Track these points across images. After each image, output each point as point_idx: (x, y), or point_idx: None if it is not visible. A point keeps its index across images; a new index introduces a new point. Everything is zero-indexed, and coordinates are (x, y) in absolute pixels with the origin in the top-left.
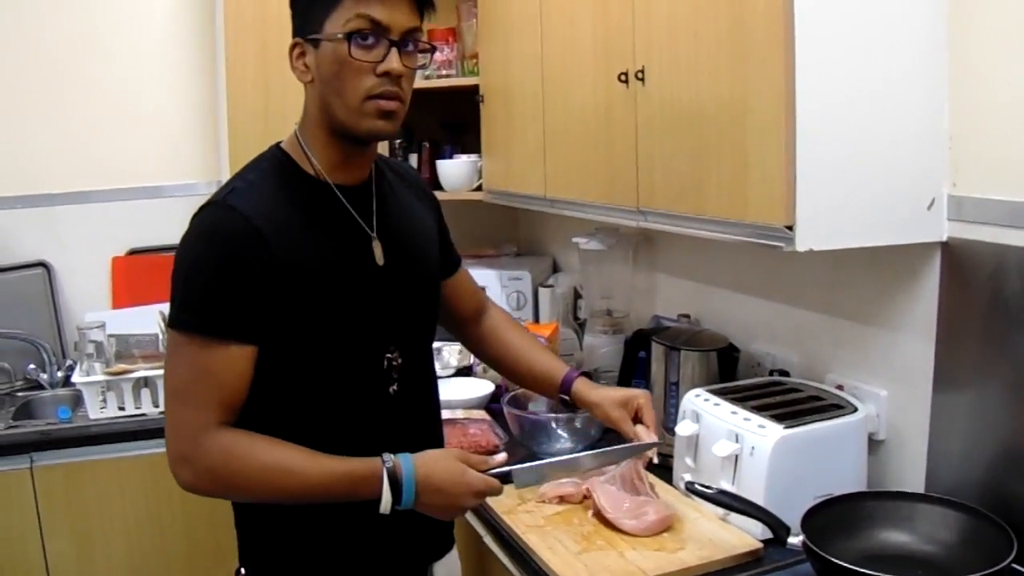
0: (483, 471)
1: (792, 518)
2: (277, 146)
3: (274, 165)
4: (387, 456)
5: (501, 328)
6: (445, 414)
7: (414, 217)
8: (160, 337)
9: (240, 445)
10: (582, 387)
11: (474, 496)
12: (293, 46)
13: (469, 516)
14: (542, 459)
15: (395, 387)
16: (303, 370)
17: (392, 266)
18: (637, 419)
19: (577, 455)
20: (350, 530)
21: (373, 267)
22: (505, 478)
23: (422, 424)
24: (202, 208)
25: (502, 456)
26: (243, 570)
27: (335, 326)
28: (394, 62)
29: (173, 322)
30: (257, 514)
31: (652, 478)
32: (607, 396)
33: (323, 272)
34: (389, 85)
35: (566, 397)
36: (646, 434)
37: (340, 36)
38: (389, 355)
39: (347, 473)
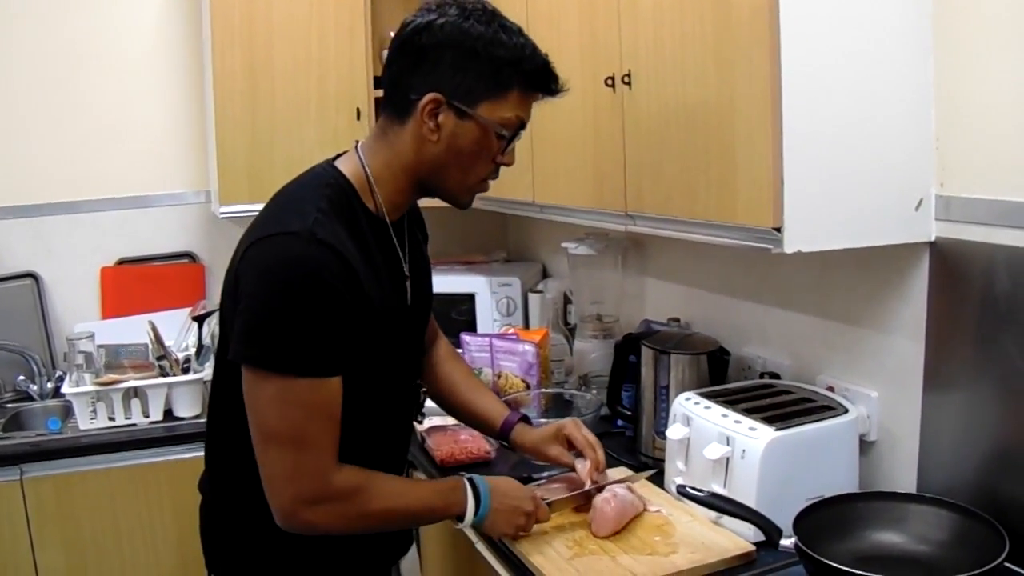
0: None
1: (784, 520)
2: (337, 170)
3: (339, 193)
4: (461, 474)
5: (446, 362)
6: (436, 421)
7: (423, 254)
8: (149, 347)
9: (365, 480)
10: (519, 434)
11: (532, 499)
12: (432, 100)
13: None
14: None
15: (415, 414)
16: (351, 400)
17: (415, 304)
18: (572, 447)
19: (578, 492)
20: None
21: (406, 305)
22: None
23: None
24: (279, 236)
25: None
26: None
27: (389, 360)
28: (513, 156)
29: (278, 366)
30: (224, 520)
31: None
32: (539, 437)
33: (383, 308)
34: (496, 173)
35: (505, 443)
36: (581, 464)
37: (503, 131)
38: (423, 389)
39: (440, 490)
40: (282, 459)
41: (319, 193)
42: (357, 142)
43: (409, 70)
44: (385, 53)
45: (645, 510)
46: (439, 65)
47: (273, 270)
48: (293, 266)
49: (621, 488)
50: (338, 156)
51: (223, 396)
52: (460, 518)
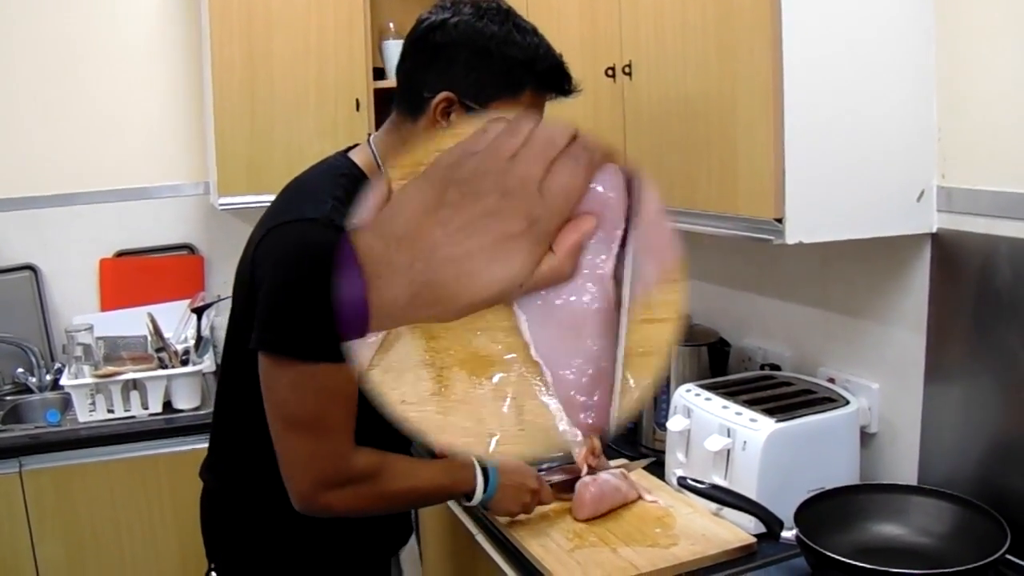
0: None
1: (785, 512)
2: (352, 161)
3: (354, 183)
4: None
5: None
6: None
7: None
8: (148, 339)
9: (381, 461)
10: None
11: (536, 478)
12: (445, 99)
13: (462, 516)
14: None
15: None
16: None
17: None
18: None
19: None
20: (320, 524)
21: None
22: None
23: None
24: (296, 223)
25: None
26: (213, 566)
27: None
28: None
29: (297, 351)
30: (227, 509)
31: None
32: None
33: None
34: None
35: None
36: (578, 449)
37: None
38: None
39: (449, 468)
40: (301, 444)
41: (335, 182)
42: (369, 135)
43: (422, 68)
44: (384, 44)
45: (640, 498)
46: (452, 64)
47: (290, 256)
48: (311, 251)
49: (607, 474)
50: (350, 148)
51: (232, 384)
52: (469, 496)
